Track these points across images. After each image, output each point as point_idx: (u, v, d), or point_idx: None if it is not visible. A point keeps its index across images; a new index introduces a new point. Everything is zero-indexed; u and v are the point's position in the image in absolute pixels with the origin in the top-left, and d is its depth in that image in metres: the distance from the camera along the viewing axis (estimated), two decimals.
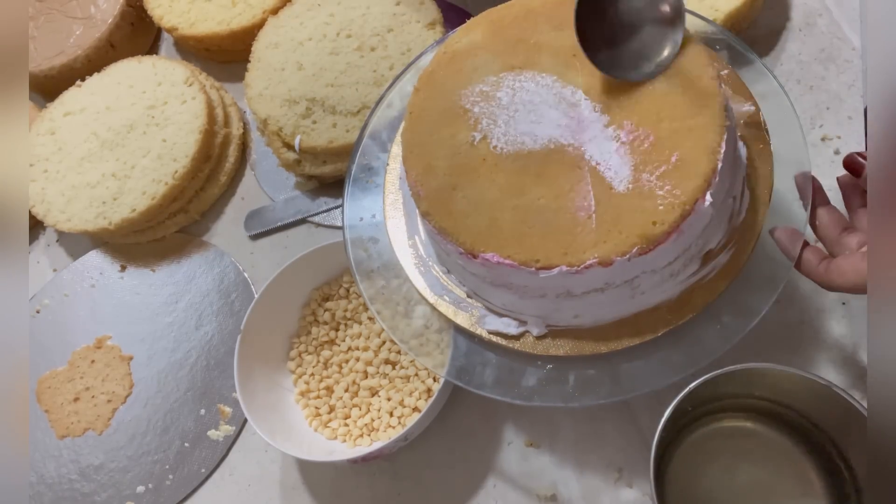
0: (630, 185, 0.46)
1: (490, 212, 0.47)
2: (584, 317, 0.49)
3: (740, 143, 0.51)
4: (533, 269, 0.46)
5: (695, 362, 0.48)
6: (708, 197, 0.44)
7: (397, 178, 0.59)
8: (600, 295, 0.47)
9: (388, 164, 0.60)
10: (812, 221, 0.48)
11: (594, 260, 0.45)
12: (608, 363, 0.50)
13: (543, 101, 0.50)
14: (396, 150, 0.60)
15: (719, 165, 0.45)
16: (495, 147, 0.49)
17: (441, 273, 0.55)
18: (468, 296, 0.53)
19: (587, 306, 0.48)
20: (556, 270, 0.45)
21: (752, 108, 0.52)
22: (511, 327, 0.51)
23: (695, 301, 0.49)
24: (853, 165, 0.47)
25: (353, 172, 0.60)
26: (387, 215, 0.58)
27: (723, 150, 0.45)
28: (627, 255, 0.44)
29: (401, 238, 0.57)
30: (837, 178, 0.49)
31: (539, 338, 0.51)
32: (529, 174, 0.48)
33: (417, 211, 0.51)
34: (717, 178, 0.45)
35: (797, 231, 0.48)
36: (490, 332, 0.52)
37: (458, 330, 0.53)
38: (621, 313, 0.49)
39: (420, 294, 0.55)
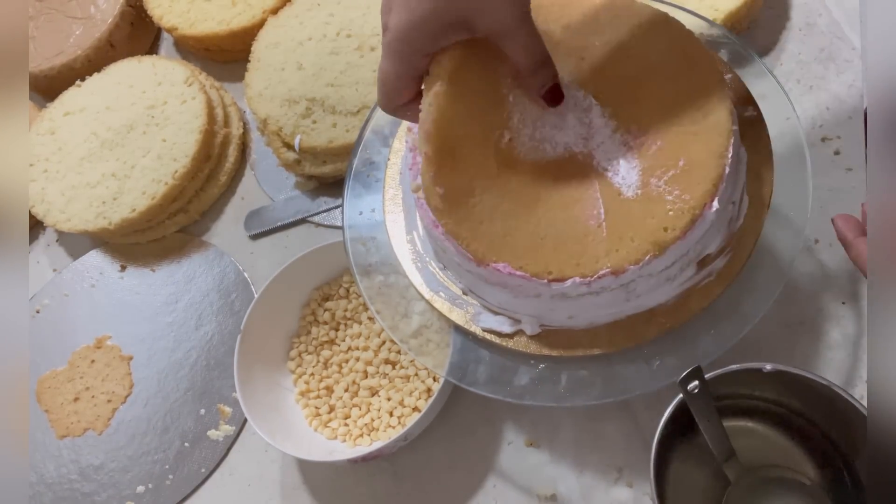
0: (639, 191, 0.45)
1: (504, 220, 0.46)
2: (578, 318, 0.49)
3: (741, 148, 0.50)
4: (545, 280, 0.45)
5: (688, 366, 0.48)
6: (715, 203, 0.44)
7: (398, 173, 0.58)
8: (595, 297, 0.47)
9: (388, 160, 0.60)
10: (851, 253, 0.47)
11: (607, 270, 0.44)
12: (601, 364, 0.50)
13: (564, 104, 0.48)
14: (398, 145, 0.60)
15: (727, 170, 0.45)
16: (519, 153, 0.48)
17: (437, 269, 0.54)
18: (464, 293, 0.53)
19: (582, 308, 0.48)
20: (569, 282, 0.45)
21: (754, 112, 0.52)
22: (505, 326, 0.51)
23: (690, 305, 0.49)
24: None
25: (354, 166, 0.60)
26: (386, 210, 0.58)
27: (730, 155, 0.45)
28: (641, 263, 0.44)
29: (399, 234, 0.57)
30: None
31: (533, 337, 0.51)
32: (544, 183, 0.47)
33: (416, 208, 0.50)
34: (724, 184, 0.44)
35: (853, 218, 0.47)
36: (484, 330, 0.52)
37: (454, 327, 0.53)
38: (616, 316, 0.49)
39: (416, 290, 0.54)
